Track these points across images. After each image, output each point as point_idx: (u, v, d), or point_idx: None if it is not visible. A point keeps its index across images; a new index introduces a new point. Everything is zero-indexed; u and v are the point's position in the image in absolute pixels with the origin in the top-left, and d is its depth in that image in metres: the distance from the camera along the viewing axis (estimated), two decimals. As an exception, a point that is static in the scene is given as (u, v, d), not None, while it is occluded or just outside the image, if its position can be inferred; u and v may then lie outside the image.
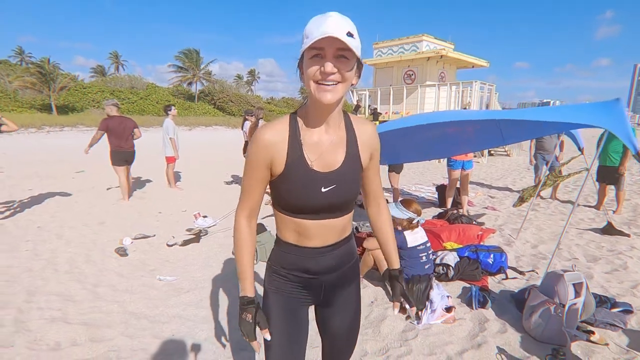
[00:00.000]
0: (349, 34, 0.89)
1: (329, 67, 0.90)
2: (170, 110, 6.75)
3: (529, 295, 2.52)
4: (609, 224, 4.53)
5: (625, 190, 5.59)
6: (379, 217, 1.32)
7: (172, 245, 4.01)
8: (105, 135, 5.73)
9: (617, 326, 2.42)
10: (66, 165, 9.68)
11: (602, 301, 2.61)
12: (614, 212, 5.45)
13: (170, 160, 6.84)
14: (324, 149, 1.06)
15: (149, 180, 7.81)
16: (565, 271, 2.35)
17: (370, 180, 1.24)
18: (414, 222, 2.92)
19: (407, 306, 1.30)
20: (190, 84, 42.27)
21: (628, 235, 4.38)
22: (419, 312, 2.60)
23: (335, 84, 0.94)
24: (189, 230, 4.54)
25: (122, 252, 3.77)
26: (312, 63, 0.93)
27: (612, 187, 5.48)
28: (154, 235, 4.34)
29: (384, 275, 2.74)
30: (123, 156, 5.88)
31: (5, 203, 5.66)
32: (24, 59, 50.69)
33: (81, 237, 4.27)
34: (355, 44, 0.90)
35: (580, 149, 4.47)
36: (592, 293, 2.53)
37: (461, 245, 3.72)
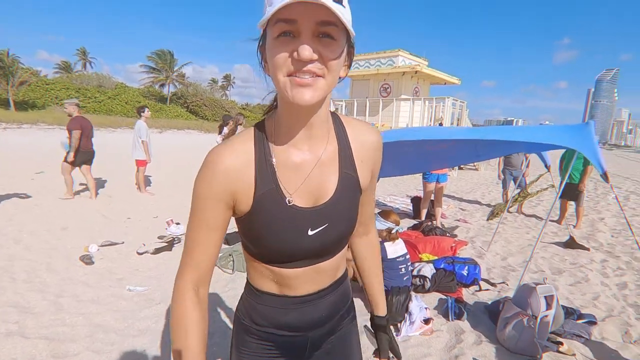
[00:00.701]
0: (337, 1, 0.58)
1: (307, 51, 0.58)
2: (143, 111, 6.52)
3: (502, 307, 2.60)
4: (571, 238, 4.80)
5: (584, 206, 5.97)
6: (367, 248, 1.02)
7: (142, 254, 3.83)
8: (70, 135, 5.58)
9: (583, 337, 2.55)
10: (25, 164, 9.06)
11: (569, 313, 2.74)
12: (574, 226, 5.79)
13: (141, 163, 6.58)
14: (306, 173, 0.75)
15: (117, 184, 7.46)
16: (537, 284, 2.45)
17: (363, 203, 0.90)
18: (394, 232, 2.96)
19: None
20: (162, 85, 41.18)
21: (588, 249, 4.65)
22: (398, 324, 2.62)
23: (316, 77, 0.62)
24: (160, 237, 4.36)
25: (87, 260, 3.55)
26: (280, 46, 0.60)
27: (572, 202, 5.83)
28: (123, 243, 4.12)
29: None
30: (87, 156, 5.87)
31: (-46, 204, 5.20)
32: (-20, 49, 47.37)
33: (42, 242, 3.99)
34: (346, 16, 0.60)
35: (547, 167, 4.72)
36: (561, 305, 2.65)
37: (437, 257, 3.81)
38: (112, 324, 2.53)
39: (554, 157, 5.91)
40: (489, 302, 3.02)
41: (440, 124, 8.48)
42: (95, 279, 3.20)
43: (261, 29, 0.65)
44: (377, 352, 1.04)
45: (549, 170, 4.69)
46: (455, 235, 5.01)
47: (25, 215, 4.96)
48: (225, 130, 6.32)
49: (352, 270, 3.04)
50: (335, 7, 0.56)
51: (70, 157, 5.62)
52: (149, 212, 5.52)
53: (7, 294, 2.84)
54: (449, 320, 2.75)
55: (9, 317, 2.53)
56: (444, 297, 3.12)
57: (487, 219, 4.55)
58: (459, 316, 2.76)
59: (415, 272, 3.30)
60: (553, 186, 3.49)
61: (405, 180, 10.85)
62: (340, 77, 0.68)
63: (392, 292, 2.70)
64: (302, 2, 0.55)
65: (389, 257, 2.88)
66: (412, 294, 2.80)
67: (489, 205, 7.48)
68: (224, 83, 64.53)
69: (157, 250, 3.90)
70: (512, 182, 6.49)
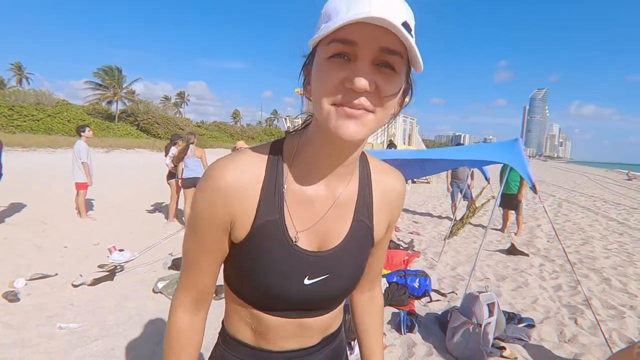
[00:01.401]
0: (406, 26, 0.48)
1: (362, 82, 0.49)
2: (84, 131, 6.11)
3: (450, 317, 2.69)
4: (512, 245, 5.14)
5: (523, 214, 6.44)
6: (371, 306, 0.88)
7: (78, 285, 3.50)
8: None
9: (523, 340, 2.70)
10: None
11: (510, 317, 2.89)
12: (515, 234, 6.21)
13: (82, 186, 6.11)
14: (320, 212, 0.65)
15: (54, 209, 6.84)
16: (480, 292, 2.57)
17: (374, 257, 0.79)
18: None
19: None
20: (110, 102, 39.13)
21: (527, 255, 5.00)
22: (351, 342, 2.60)
23: (367, 114, 0.52)
24: (101, 266, 4.02)
25: (12, 296, 3.17)
26: (331, 69, 0.51)
27: (513, 211, 6.28)
28: (56, 275, 3.75)
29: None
30: None
31: None
32: None
33: (-44, 280, 3.52)
34: (413, 43, 0.49)
35: (487, 179, 5.06)
36: (502, 310, 2.79)
37: (390, 271, 3.88)
38: (37, 369, 2.26)
39: (495, 169, 6.38)
40: (439, 313, 3.11)
41: (391, 141, 8.81)
42: (21, 319, 2.86)
43: (312, 47, 0.56)
44: None
45: (489, 182, 5.02)
46: (408, 248, 5.16)
47: (-62, 249, 4.37)
48: (174, 150, 6.06)
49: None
50: (405, 34, 0.47)
51: None
52: (90, 239, 5.10)
53: None
54: (401, 334, 2.79)
55: None
56: (396, 310, 3.16)
57: (445, 239, 4.80)
58: (410, 329, 2.81)
59: (368, 288, 3.33)
60: (494, 197, 3.74)
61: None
62: (392, 114, 0.58)
63: (343, 309, 2.69)
64: (368, 24, 0.46)
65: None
66: (365, 310, 2.81)
67: (439, 217, 7.83)
68: (177, 100, 62.73)
69: (96, 281, 3.59)
70: (459, 193, 6.87)
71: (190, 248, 0.66)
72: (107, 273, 3.79)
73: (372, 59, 0.50)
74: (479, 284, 3.90)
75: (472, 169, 6.72)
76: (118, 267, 3.99)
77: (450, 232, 4.71)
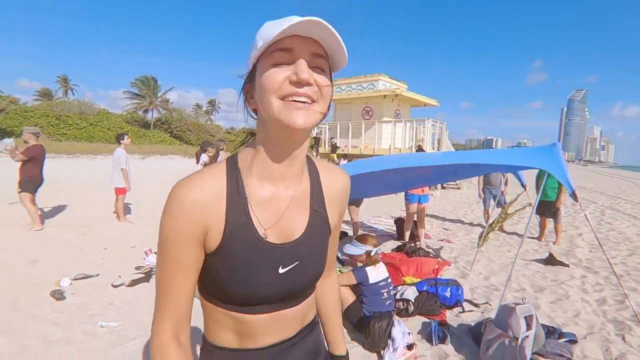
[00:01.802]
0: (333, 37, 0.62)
1: (306, 73, 0.59)
2: (123, 139, 6.44)
3: (485, 329, 2.59)
4: (551, 255, 4.88)
5: (563, 222, 6.11)
6: (329, 289, 0.98)
7: (118, 286, 3.68)
8: (22, 163, 5.54)
9: (565, 356, 2.55)
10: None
11: (550, 332, 2.74)
12: (553, 243, 5.90)
13: (121, 191, 6.44)
14: (281, 209, 0.72)
15: (96, 213, 7.25)
16: (516, 304, 2.46)
17: (329, 245, 0.88)
18: (373, 254, 2.95)
19: None
20: (146, 111, 41.02)
21: (567, 266, 4.73)
22: (382, 352, 2.57)
23: (310, 103, 0.62)
24: (138, 268, 4.21)
25: (58, 295, 3.38)
26: (277, 71, 0.60)
27: (551, 219, 5.97)
28: (98, 275, 3.97)
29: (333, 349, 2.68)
30: (38, 184, 5.78)
31: None
32: (-44, 78, 46.44)
33: (9, 277, 3.79)
34: (341, 45, 0.62)
35: (523, 185, 4.85)
36: (541, 324, 2.66)
37: (419, 279, 3.79)
38: (81, 365, 2.40)
39: (531, 175, 6.10)
40: (473, 324, 3.00)
41: (420, 146, 8.66)
42: (67, 317, 3.04)
43: (251, 65, 0.66)
44: None
45: (525, 189, 4.81)
46: (439, 256, 5.03)
47: (-6, 249, 4.74)
48: (205, 158, 6.26)
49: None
50: (333, 37, 0.60)
51: (20, 157, 5.47)
52: (127, 242, 5.36)
53: (-32, 337, 2.66)
54: (432, 344, 2.72)
55: (-32, 362, 2.37)
56: (427, 320, 3.09)
57: (479, 246, 4.65)
58: (442, 340, 2.73)
59: (398, 296, 3.28)
60: (530, 204, 3.58)
61: (389, 201, 10.93)
62: (323, 114, 0.67)
63: (373, 318, 2.66)
64: (300, 36, 0.60)
65: (370, 281, 2.85)
66: (395, 318, 2.76)
67: (471, 224, 7.58)
68: (208, 108, 64.79)
69: (134, 282, 3.76)
70: (492, 200, 6.63)
71: (164, 271, 0.68)
72: (143, 275, 3.96)
73: (307, 62, 0.61)
74: (515, 295, 3.73)
75: (506, 175, 6.47)
76: (153, 269, 4.16)
77: (482, 239, 4.55)
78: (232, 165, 0.72)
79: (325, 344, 0.96)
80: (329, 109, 0.69)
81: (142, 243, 5.20)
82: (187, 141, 34.03)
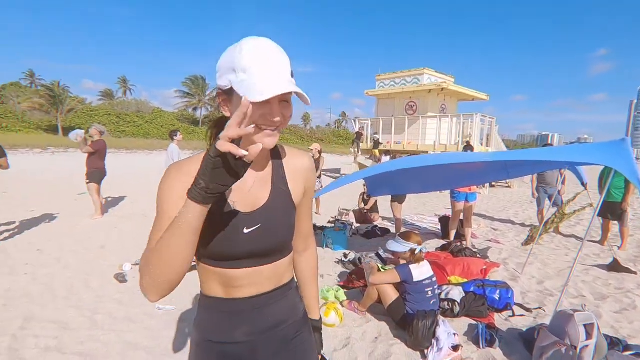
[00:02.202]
0: (291, 75, 0.83)
1: (278, 117, 0.81)
2: (176, 135, 6.85)
3: (538, 335, 2.45)
4: (615, 261, 4.48)
5: (629, 226, 5.57)
6: (307, 261, 1.18)
7: (172, 272, 3.95)
8: (88, 156, 6.14)
9: (631, 370, 2.34)
10: (69, 186, 9.72)
11: (614, 343, 2.53)
12: (618, 248, 5.40)
13: (174, 184, 6.87)
14: (246, 187, 0.93)
15: (150, 205, 7.80)
16: (575, 311, 2.30)
17: (300, 219, 1.07)
18: (417, 252, 2.90)
19: None
20: (195, 109, 43.17)
21: (635, 273, 4.31)
22: (425, 351, 2.53)
23: (277, 129, 0.84)
24: (190, 256, 4.48)
25: (121, 278, 3.71)
26: (256, 107, 0.77)
27: (616, 222, 5.46)
28: (155, 261, 4.28)
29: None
30: (103, 176, 6.36)
31: (7, 224, 5.64)
32: (34, 81, 52.02)
33: (81, 261, 4.22)
34: (299, 90, 0.80)
35: (584, 184, 4.48)
36: (603, 334, 2.46)
37: (466, 280, 3.66)
38: (142, 342, 2.61)
39: (593, 173, 5.61)
40: (524, 329, 2.85)
41: (468, 142, 8.31)
42: (128, 297, 3.33)
43: (229, 85, 0.81)
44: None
45: (585, 188, 4.44)
46: (487, 257, 4.81)
47: (67, 234, 5.29)
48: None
49: (376, 294, 2.99)
50: (294, 88, 0.78)
51: (88, 149, 6.06)
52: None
53: (48, 311, 3.01)
54: (479, 347, 2.62)
55: (48, 332, 2.68)
56: (474, 322, 2.98)
57: (523, 244, 4.35)
58: (490, 343, 2.62)
59: (443, 296, 3.19)
60: (591, 205, 3.30)
61: (433, 199, 10.61)
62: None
63: (417, 316, 2.62)
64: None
65: (414, 279, 2.81)
66: (440, 318, 2.69)
67: (522, 225, 7.15)
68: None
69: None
70: (547, 200, 6.19)
71: (156, 226, 0.83)
72: (194, 263, 4.19)
73: (279, 101, 0.81)
74: (573, 302, 3.48)
75: (563, 172, 6.00)
76: (204, 258, 4.41)
77: (529, 237, 4.21)
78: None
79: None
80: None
81: (193, 233, 5.52)
82: (232, 137, 35.36)
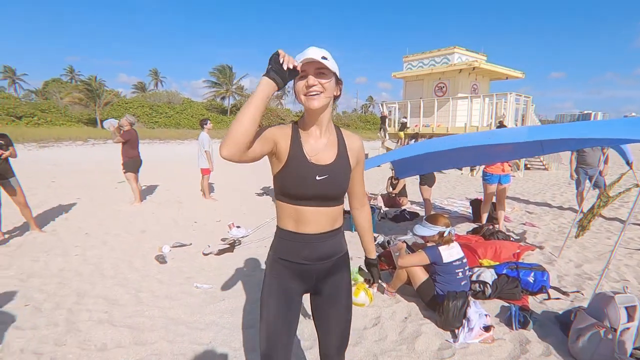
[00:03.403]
0: (324, 57, 1.16)
1: (311, 80, 1.17)
2: (206, 124, 7.04)
3: (575, 317, 2.39)
4: (663, 244, 4.21)
5: (681, 207, 5.19)
6: (362, 215, 1.57)
7: (207, 254, 4.15)
8: (121, 146, 6.37)
9: (677, 355, 2.24)
10: (109, 176, 10.29)
11: (658, 327, 2.42)
12: (668, 231, 5.06)
13: (206, 172, 7.11)
14: (319, 148, 1.29)
15: (185, 191, 8.14)
16: (615, 293, 2.22)
17: (355, 182, 1.45)
18: (446, 235, 2.87)
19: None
20: (223, 98, 43.89)
21: (685, 257, 4.04)
22: (456, 330, 2.53)
23: (319, 94, 1.18)
24: (223, 239, 4.68)
25: (161, 259, 3.94)
26: (299, 81, 1.19)
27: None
28: (191, 244, 4.51)
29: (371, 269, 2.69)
30: (139, 164, 6.62)
31: (58, 210, 6.10)
32: (74, 77, 54.77)
33: (124, 244, 4.52)
34: (329, 63, 1.17)
35: (629, 163, 4.21)
36: (647, 318, 2.35)
37: (498, 263, 3.59)
38: (182, 318, 2.79)
39: (635, 151, 5.24)
40: (560, 312, 2.78)
41: (501, 121, 7.92)
42: (168, 277, 3.55)
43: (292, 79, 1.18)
44: (369, 282, 1.62)
45: (631, 167, 4.18)
46: (520, 240, 4.67)
47: (111, 220, 5.65)
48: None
49: (405, 275, 3.00)
50: (323, 60, 1.15)
51: (119, 138, 6.34)
52: (213, 216, 5.95)
53: (98, 288, 3.27)
54: (512, 329, 2.59)
55: (99, 307, 2.92)
56: (506, 304, 2.94)
57: (576, 236, 4.16)
58: (523, 325, 2.58)
59: (474, 278, 3.16)
60: (637, 186, 3.10)
61: (464, 182, 10.33)
62: (335, 95, 1.27)
63: (447, 296, 2.62)
64: (306, 60, 1.16)
65: (444, 261, 2.79)
66: (471, 299, 2.68)
67: (560, 208, 6.85)
68: (279, 93, 66.90)
69: (221, 252, 4.20)
70: (587, 181, 5.87)
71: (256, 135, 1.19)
72: (228, 245, 4.38)
73: (314, 72, 1.18)
74: (614, 286, 3.33)
75: (605, 151, 5.63)
76: (236, 241, 4.58)
77: (580, 226, 4.03)
78: (294, 125, 1.33)
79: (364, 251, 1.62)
80: (340, 91, 1.28)
81: (225, 217, 5.73)
82: (259, 125, 35.74)
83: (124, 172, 6.53)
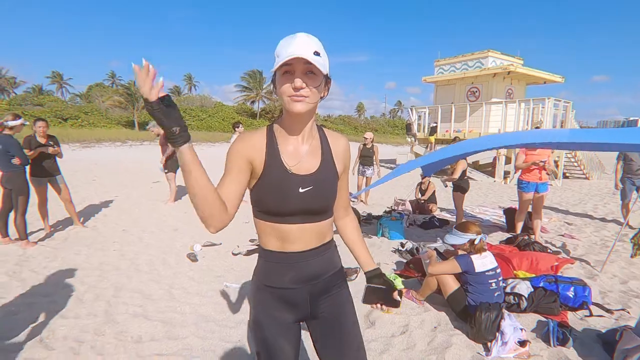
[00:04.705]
0: (316, 53, 0.97)
1: (298, 82, 0.96)
2: (238, 127, 7.23)
3: (621, 337, 2.24)
4: None
5: None
6: (349, 224, 1.35)
7: (237, 254, 4.24)
8: (162, 148, 6.72)
9: None
10: (145, 175, 10.76)
11: None
12: None
13: (236, 173, 7.28)
14: (300, 155, 1.11)
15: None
16: (668, 313, 2.06)
17: (340, 189, 1.25)
18: (477, 242, 2.78)
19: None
20: (253, 102, 44.87)
21: None
22: (489, 344, 2.44)
23: (304, 97, 0.99)
24: (251, 240, 4.76)
25: (193, 257, 4.07)
26: (284, 80, 0.99)
27: None
28: (221, 244, 4.62)
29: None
30: (176, 164, 6.79)
31: (97, 207, 6.45)
32: (115, 81, 57.96)
33: (158, 241, 4.70)
34: (321, 62, 0.98)
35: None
36: None
37: (534, 275, 3.43)
38: (212, 315, 2.86)
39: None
40: (603, 331, 2.61)
41: (537, 128, 7.60)
42: (199, 275, 3.65)
43: (273, 71, 1.01)
44: (380, 303, 1.25)
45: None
46: (559, 252, 4.44)
47: (146, 218, 5.90)
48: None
49: (436, 283, 2.93)
50: (314, 59, 0.95)
51: (162, 161, 6.68)
52: (241, 218, 6.05)
53: (134, 282, 3.42)
54: (550, 345, 2.46)
55: (135, 301, 3.05)
56: (543, 319, 2.79)
57: (632, 256, 3.91)
58: (562, 342, 2.45)
59: (508, 289, 3.03)
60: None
61: (496, 189, 9.97)
62: (321, 97, 1.07)
63: (480, 307, 2.52)
64: (295, 58, 0.94)
65: (476, 270, 2.70)
66: (505, 312, 2.57)
67: (603, 220, 6.45)
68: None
69: (249, 252, 4.28)
70: (634, 192, 5.50)
71: (222, 178, 1.07)
72: (256, 246, 4.46)
73: (302, 71, 0.97)
74: (665, 306, 3.09)
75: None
76: (264, 242, 4.65)
77: (635, 244, 3.74)
78: (270, 130, 1.13)
79: (360, 264, 1.32)
80: (328, 91, 1.09)
81: (253, 219, 5.83)
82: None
83: (165, 172, 6.79)
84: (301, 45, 0.95)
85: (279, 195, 1.06)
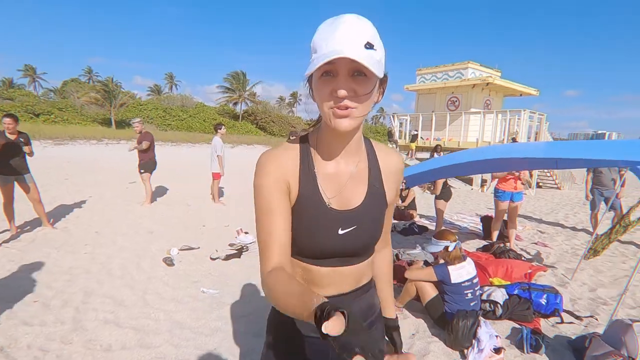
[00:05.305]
0: (368, 45, 0.69)
1: (342, 92, 0.70)
2: (220, 129, 7.11)
3: (590, 343, 2.31)
4: (682, 272, 4.08)
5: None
6: (384, 258, 1.10)
7: (215, 259, 4.14)
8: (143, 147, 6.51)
9: (697, 390, 2.15)
10: (121, 175, 10.42)
11: (678, 359, 2.33)
12: (686, 258, 4.90)
13: (217, 176, 7.15)
14: (342, 182, 0.87)
15: (194, 194, 8.19)
16: (634, 321, 2.15)
17: (386, 219, 0.99)
18: (451, 249, 2.81)
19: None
20: (235, 104, 44.39)
21: None
22: (465, 350, 2.47)
23: (351, 109, 0.73)
24: (231, 245, 4.67)
25: (169, 261, 3.95)
26: (323, 84, 0.73)
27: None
28: (199, 248, 4.51)
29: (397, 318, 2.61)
30: (154, 166, 6.75)
31: (69, 207, 6.18)
32: (91, 77, 56.12)
33: (133, 244, 4.54)
34: (376, 58, 0.70)
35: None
36: (666, 348, 2.27)
37: (509, 282, 3.51)
38: (188, 322, 2.78)
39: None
40: (573, 337, 2.70)
41: (514, 139, 7.86)
42: (175, 280, 3.54)
43: (308, 74, 0.74)
44: (390, 349, 1.10)
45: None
46: (532, 260, 4.58)
47: (120, 219, 5.69)
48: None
49: (415, 290, 2.95)
50: (364, 58, 0.67)
51: (133, 146, 6.49)
52: (221, 221, 5.96)
53: (105, 288, 3.28)
54: (523, 352, 2.52)
55: (106, 307, 2.93)
56: (517, 326, 2.86)
57: (586, 258, 4.07)
58: (535, 349, 2.51)
59: (484, 297, 3.09)
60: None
61: (474, 197, 10.21)
62: (374, 102, 0.80)
63: (457, 315, 2.56)
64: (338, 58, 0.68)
65: (452, 281, 2.74)
66: (481, 319, 2.61)
67: (573, 229, 6.70)
68: (290, 100, 67.50)
69: (228, 257, 4.19)
70: (602, 202, 5.75)
71: (264, 223, 0.81)
72: (235, 251, 4.38)
73: (347, 72, 0.71)
74: (630, 313, 3.23)
75: (622, 172, 5.52)
76: (244, 247, 4.57)
77: (591, 249, 3.94)
78: (305, 144, 0.89)
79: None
80: (383, 94, 0.82)
81: (234, 223, 5.73)
82: (270, 132, 36.02)
83: (141, 173, 6.61)
84: (347, 36, 0.68)
85: (312, 236, 0.85)
